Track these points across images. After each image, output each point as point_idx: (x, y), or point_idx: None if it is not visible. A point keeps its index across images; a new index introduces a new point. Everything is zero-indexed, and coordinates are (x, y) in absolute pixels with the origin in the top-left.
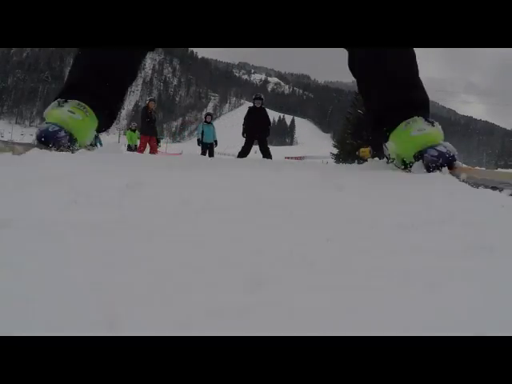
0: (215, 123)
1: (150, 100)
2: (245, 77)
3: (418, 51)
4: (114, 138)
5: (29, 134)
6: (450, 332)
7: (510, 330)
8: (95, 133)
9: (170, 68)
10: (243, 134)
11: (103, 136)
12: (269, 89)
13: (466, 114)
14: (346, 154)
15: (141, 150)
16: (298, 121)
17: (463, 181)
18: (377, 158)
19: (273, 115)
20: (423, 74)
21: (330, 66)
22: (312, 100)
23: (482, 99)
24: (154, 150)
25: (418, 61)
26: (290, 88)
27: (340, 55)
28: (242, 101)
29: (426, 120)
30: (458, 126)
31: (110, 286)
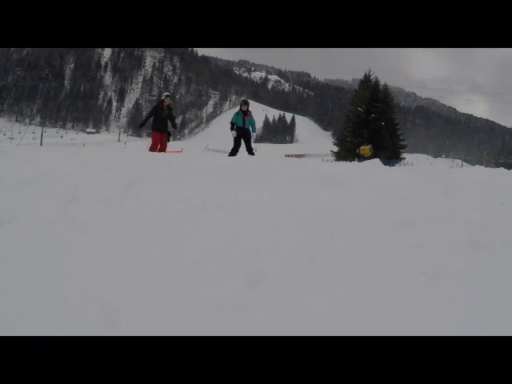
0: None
1: (167, 96)
2: (245, 74)
3: (422, 49)
4: (115, 136)
5: (31, 132)
6: (450, 330)
7: (509, 329)
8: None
9: (170, 66)
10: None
11: (105, 134)
12: (269, 86)
13: (466, 112)
14: (347, 151)
15: (153, 146)
16: (299, 119)
17: None
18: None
19: (273, 113)
20: (427, 73)
21: (330, 63)
22: (312, 98)
23: (484, 98)
24: (163, 149)
25: (424, 59)
26: (290, 86)
27: (340, 54)
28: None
29: None
30: (459, 124)
31: (111, 283)
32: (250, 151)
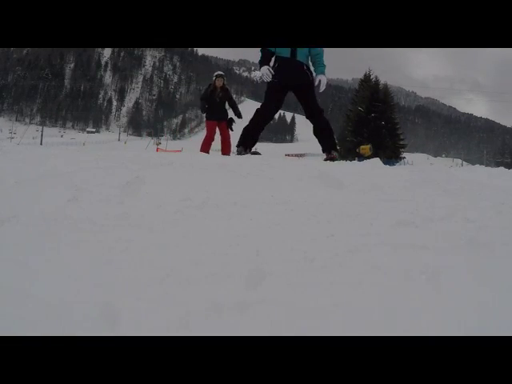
0: None
1: (217, 77)
2: (245, 74)
3: (422, 49)
4: (115, 135)
5: (34, 131)
6: (450, 330)
7: (510, 329)
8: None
9: (170, 65)
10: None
11: (105, 133)
12: None
13: (466, 112)
14: (346, 151)
15: (207, 138)
16: (299, 118)
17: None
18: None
19: None
20: (428, 72)
21: (330, 63)
22: None
23: (485, 98)
24: (225, 141)
25: (424, 59)
26: None
27: (340, 53)
28: (243, 98)
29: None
30: (459, 124)
31: (111, 283)
32: (317, 120)
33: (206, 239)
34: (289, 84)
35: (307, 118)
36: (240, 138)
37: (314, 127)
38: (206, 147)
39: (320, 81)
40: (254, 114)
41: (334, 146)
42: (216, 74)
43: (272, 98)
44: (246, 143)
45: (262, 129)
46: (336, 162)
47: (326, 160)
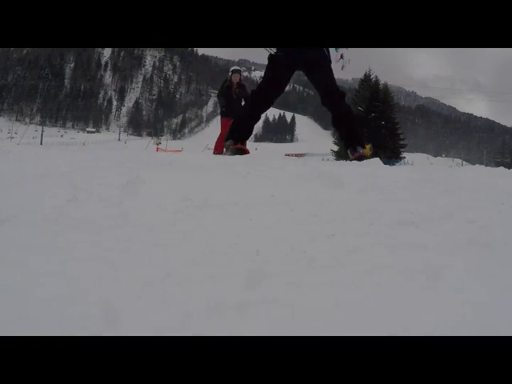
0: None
1: (233, 72)
2: (245, 74)
3: (422, 49)
4: (115, 135)
5: (33, 131)
6: (450, 330)
7: (510, 329)
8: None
9: (170, 65)
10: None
11: (105, 133)
12: None
13: (466, 112)
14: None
15: (222, 136)
16: (299, 118)
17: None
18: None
19: (273, 112)
20: (428, 72)
21: None
22: (312, 97)
23: (486, 97)
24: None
25: (424, 59)
26: (290, 85)
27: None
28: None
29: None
30: (459, 123)
31: (111, 282)
32: (336, 105)
33: (206, 239)
34: (298, 59)
35: (323, 104)
36: (229, 130)
37: (332, 116)
38: (221, 145)
39: (342, 55)
40: (250, 98)
41: (359, 139)
42: (232, 69)
43: (274, 76)
44: (236, 135)
45: (257, 117)
46: (336, 162)
47: (352, 160)
